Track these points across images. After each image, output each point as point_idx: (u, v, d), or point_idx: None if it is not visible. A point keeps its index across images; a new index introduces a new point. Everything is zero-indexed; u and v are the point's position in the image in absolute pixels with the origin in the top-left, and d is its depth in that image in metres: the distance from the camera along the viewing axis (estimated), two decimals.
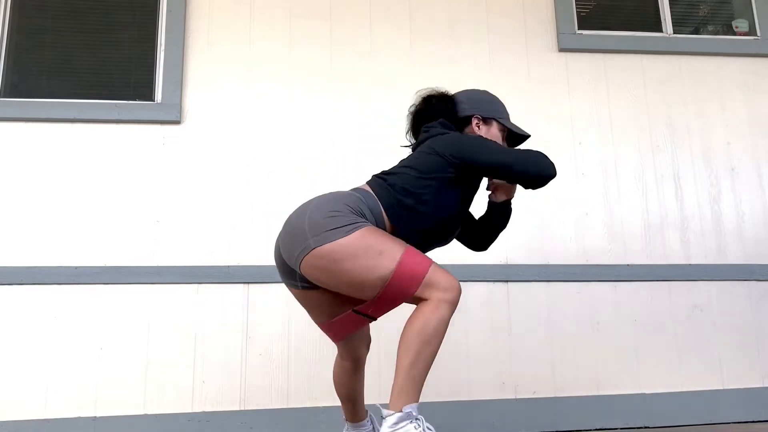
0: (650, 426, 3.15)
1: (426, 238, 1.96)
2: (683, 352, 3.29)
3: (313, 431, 2.97)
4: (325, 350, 3.07)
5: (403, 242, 1.86)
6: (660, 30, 3.74)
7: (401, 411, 1.73)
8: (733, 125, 3.62)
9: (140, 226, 3.09)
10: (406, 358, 1.74)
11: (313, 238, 1.81)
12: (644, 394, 3.20)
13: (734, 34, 3.84)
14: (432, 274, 1.80)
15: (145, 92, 3.29)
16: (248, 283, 3.09)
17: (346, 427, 2.28)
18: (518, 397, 3.10)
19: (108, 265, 3.03)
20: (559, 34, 3.57)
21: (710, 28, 3.90)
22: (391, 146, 3.33)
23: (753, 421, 3.20)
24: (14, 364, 2.89)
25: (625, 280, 3.33)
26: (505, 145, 2.16)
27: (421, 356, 1.74)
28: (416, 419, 1.74)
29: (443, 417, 3.04)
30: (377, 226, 1.90)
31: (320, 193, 2.40)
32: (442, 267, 1.86)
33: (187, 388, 2.96)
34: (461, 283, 3.19)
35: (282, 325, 3.07)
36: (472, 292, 3.18)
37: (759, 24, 3.81)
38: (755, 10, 3.84)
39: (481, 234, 2.18)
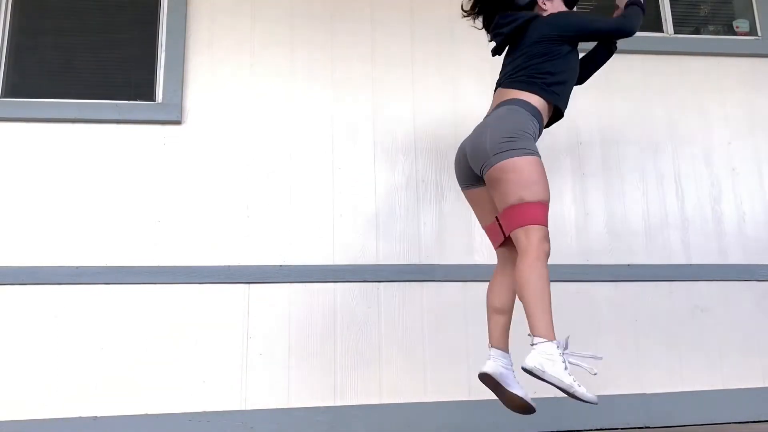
0: (650, 426, 3.15)
1: (569, 89, 2.44)
2: (684, 352, 3.28)
3: (313, 431, 2.97)
4: (326, 350, 3.07)
5: (549, 195, 2.23)
6: (660, 30, 3.74)
7: (552, 340, 2.10)
8: (734, 125, 3.61)
9: (141, 226, 3.09)
10: (529, 300, 2.13)
11: (494, 156, 2.21)
12: (644, 394, 3.20)
13: (735, 34, 3.84)
14: (543, 231, 2.18)
15: (146, 92, 3.29)
16: (248, 283, 3.09)
17: (490, 354, 2.35)
18: None
19: (108, 265, 3.03)
20: None
21: (711, 28, 3.90)
22: (391, 146, 3.34)
23: (753, 421, 3.20)
24: (14, 364, 2.89)
25: (626, 280, 3.33)
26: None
27: (539, 302, 2.13)
28: (563, 345, 2.11)
29: (443, 417, 3.04)
30: (538, 120, 2.32)
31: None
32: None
33: (187, 388, 2.96)
34: (463, 282, 3.20)
35: (282, 325, 3.07)
36: (472, 292, 3.18)
37: (760, 24, 3.80)
38: (756, 10, 3.84)
39: (587, 69, 2.60)
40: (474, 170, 2.34)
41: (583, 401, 2.07)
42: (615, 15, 2.52)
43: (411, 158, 3.33)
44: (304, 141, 3.29)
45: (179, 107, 3.23)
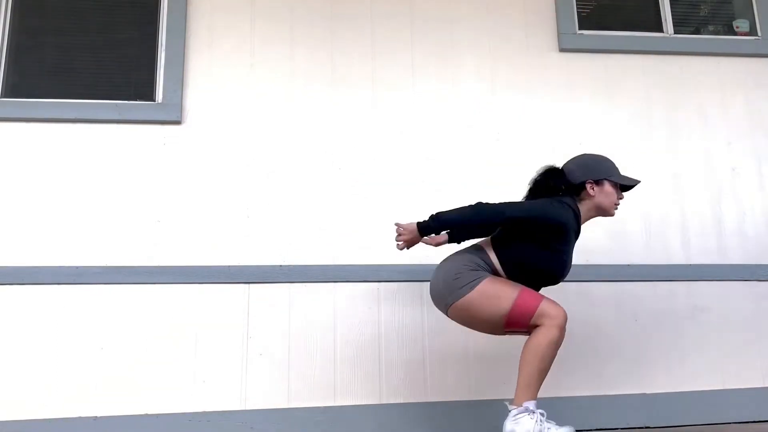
0: (651, 426, 3.15)
1: (533, 283, 2.47)
2: (684, 352, 3.29)
3: (313, 431, 2.97)
4: (326, 350, 3.07)
5: (519, 285, 2.37)
6: (661, 30, 3.74)
7: (521, 405, 2.28)
8: (734, 125, 3.61)
9: (141, 226, 3.09)
10: (525, 369, 2.29)
11: (449, 296, 2.40)
12: (645, 394, 3.20)
13: (735, 34, 3.84)
14: (542, 308, 2.33)
15: (146, 92, 3.29)
16: (248, 283, 3.09)
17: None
18: None
19: (109, 265, 3.03)
20: (560, 34, 3.57)
21: (711, 28, 3.90)
22: (391, 146, 3.34)
23: (753, 421, 3.20)
24: (14, 364, 2.89)
25: (626, 280, 3.33)
26: (620, 194, 2.56)
27: (536, 368, 2.29)
28: (533, 412, 2.27)
29: (443, 417, 3.04)
30: (494, 273, 2.42)
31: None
32: (552, 300, 2.37)
33: (187, 388, 2.96)
34: None
35: (282, 325, 3.07)
36: None
37: (760, 24, 3.80)
38: (756, 10, 3.84)
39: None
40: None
41: None
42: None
43: (411, 158, 3.33)
44: (304, 141, 3.29)
45: (179, 107, 3.23)
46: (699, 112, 3.61)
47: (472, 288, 2.34)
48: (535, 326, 2.33)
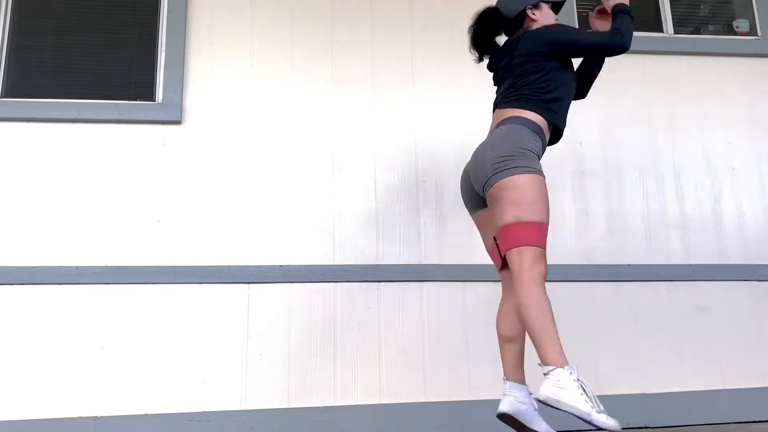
0: (650, 426, 3.15)
1: (566, 106, 2.40)
2: (684, 352, 3.29)
3: (313, 431, 2.97)
4: (326, 350, 3.07)
5: (548, 216, 2.18)
6: (661, 30, 3.74)
7: (561, 366, 2.02)
8: (734, 125, 3.61)
9: (141, 226, 3.09)
10: (532, 329, 2.07)
11: (494, 176, 2.18)
12: (644, 394, 3.20)
13: (735, 34, 3.84)
14: (538, 252, 2.12)
15: (146, 92, 3.29)
16: (248, 283, 3.09)
17: (506, 389, 2.25)
18: None
19: (109, 264, 3.03)
20: None
21: (711, 28, 3.89)
22: (391, 146, 3.34)
23: (753, 421, 3.20)
24: (14, 364, 2.89)
25: (626, 280, 3.33)
26: (555, 15, 2.52)
27: (544, 329, 2.06)
28: (572, 369, 2.02)
29: (443, 417, 3.04)
30: (540, 137, 2.28)
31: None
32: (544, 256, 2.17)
33: (187, 388, 2.96)
34: (463, 282, 3.20)
35: (282, 325, 3.07)
36: (473, 292, 3.18)
37: (760, 24, 3.80)
38: (756, 10, 3.83)
39: (583, 82, 2.58)
40: (477, 192, 2.32)
41: (603, 429, 1.96)
42: (596, 20, 2.57)
43: (411, 158, 3.33)
44: (304, 141, 3.29)
45: (179, 107, 3.23)
46: (699, 112, 3.61)
47: (525, 172, 2.14)
48: (514, 261, 2.11)
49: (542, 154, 2.31)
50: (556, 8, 2.54)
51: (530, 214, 2.12)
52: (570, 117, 3.48)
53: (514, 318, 2.29)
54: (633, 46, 3.59)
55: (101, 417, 2.88)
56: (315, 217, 3.20)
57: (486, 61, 2.52)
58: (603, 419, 1.93)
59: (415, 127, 3.37)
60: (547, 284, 3.27)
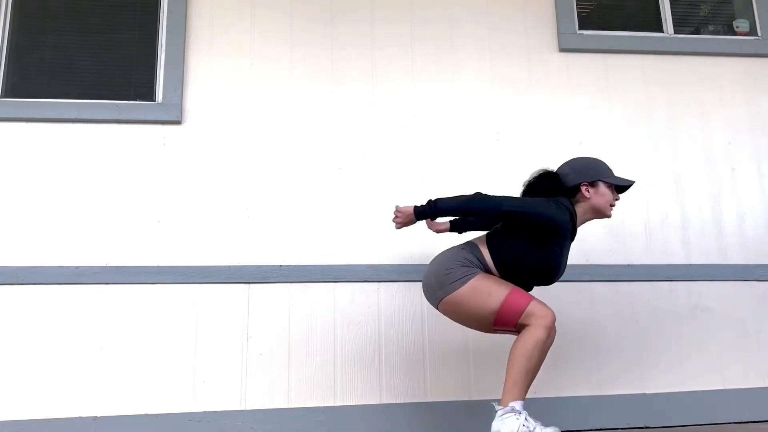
0: (651, 426, 3.15)
1: (526, 282, 2.50)
2: (684, 352, 3.29)
3: (313, 431, 2.97)
4: (326, 350, 3.07)
5: (510, 285, 2.40)
6: (661, 30, 3.74)
7: (507, 405, 2.28)
8: (734, 125, 3.61)
9: (141, 226, 3.09)
10: (512, 368, 2.29)
11: (440, 291, 2.43)
12: (645, 394, 3.20)
13: (735, 34, 3.84)
14: (531, 308, 2.34)
15: (146, 92, 3.29)
16: (248, 283, 3.09)
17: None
18: None
19: (108, 265, 3.03)
20: (560, 34, 3.57)
21: (711, 28, 3.89)
22: (391, 146, 3.34)
23: (753, 421, 3.20)
24: (14, 364, 2.89)
25: (626, 280, 3.33)
26: (616, 195, 2.57)
27: (523, 368, 2.28)
28: (519, 413, 2.26)
29: (444, 417, 3.04)
30: (486, 270, 2.44)
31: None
32: (541, 301, 2.37)
33: (187, 388, 2.96)
34: None
35: (282, 325, 3.07)
36: None
37: (760, 24, 3.80)
38: (756, 10, 3.84)
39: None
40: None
41: None
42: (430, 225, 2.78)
43: (411, 158, 3.33)
44: (304, 141, 3.29)
45: (179, 107, 3.23)
46: (699, 112, 3.61)
47: (463, 283, 2.37)
48: (524, 326, 2.34)
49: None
50: (619, 189, 2.60)
51: (498, 300, 2.36)
52: (570, 117, 3.50)
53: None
54: (633, 46, 3.63)
55: (101, 417, 2.88)
56: (315, 217, 3.20)
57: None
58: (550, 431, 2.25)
59: (415, 126, 3.37)
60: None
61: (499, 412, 2.29)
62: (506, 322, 2.37)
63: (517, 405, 2.28)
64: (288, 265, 3.12)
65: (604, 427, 3.11)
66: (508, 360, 2.32)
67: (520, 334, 2.34)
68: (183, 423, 2.91)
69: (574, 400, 3.12)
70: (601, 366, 3.22)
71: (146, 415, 2.90)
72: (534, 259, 2.43)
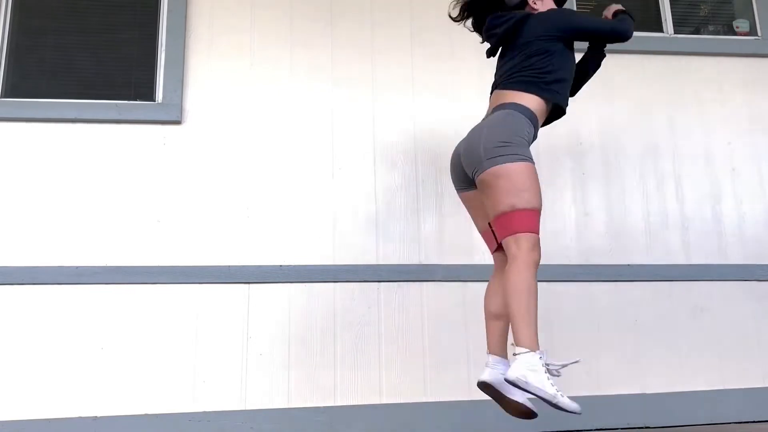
0: (650, 426, 3.15)
1: (569, 86, 2.43)
2: (684, 352, 3.28)
3: (313, 431, 2.97)
4: (326, 350, 3.07)
5: (541, 202, 2.23)
6: (661, 30, 3.74)
7: (530, 348, 2.09)
8: (734, 125, 3.61)
9: (141, 226, 3.09)
10: (519, 307, 2.12)
11: (487, 161, 2.21)
12: (644, 394, 3.20)
13: (735, 34, 3.84)
14: (534, 239, 2.17)
15: (146, 92, 3.29)
16: (248, 283, 3.09)
17: (488, 361, 2.33)
18: None
19: (109, 265, 3.03)
20: None
21: (711, 28, 3.90)
22: (391, 146, 3.34)
23: (753, 421, 3.20)
24: (14, 364, 2.89)
25: (626, 280, 3.33)
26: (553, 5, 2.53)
27: (533, 303, 2.13)
28: (541, 357, 2.10)
29: (444, 417, 3.04)
30: (534, 124, 2.30)
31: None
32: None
33: (187, 388, 2.96)
34: (463, 282, 3.20)
35: (282, 325, 3.07)
36: (473, 292, 3.17)
37: (760, 24, 3.80)
38: (756, 10, 3.84)
39: (577, 80, 2.57)
40: (467, 173, 2.34)
41: (567, 411, 2.10)
42: None
43: (411, 158, 3.33)
44: (304, 141, 3.29)
45: (179, 107, 3.23)
46: (699, 112, 3.61)
47: (518, 160, 2.18)
48: (510, 246, 2.17)
49: (534, 139, 2.35)
50: (559, 1, 2.56)
51: (524, 202, 2.17)
52: (570, 117, 3.49)
53: (503, 297, 2.33)
54: (633, 46, 3.61)
55: (101, 417, 2.88)
56: (315, 217, 3.20)
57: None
58: (567, 402, 2.09)
59: (415, 127, 3.37)
60: (547, 284, 3.29)
61: (527, 356, 2.08)
62: (509, 227, 2.17)
63: (541, 353, 2.11)
64: (288, 265, 3.12)
65: (604, 427, 3.11)
66: (513, 300, 2.14)
67: (515, 271, 2.15)
68: (183, 423, 2.91)
69: (574, 400, 3.12)
70: (600, 366, 3.22)
71: (146, 415, 2.90)
72: (569, 62, 2.44)
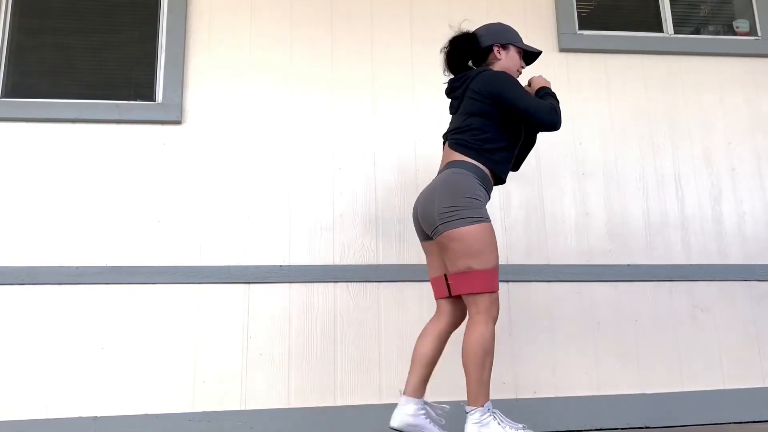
0: (650, 426, 3.15)
1: (512, 154, 2.45)
2: (684, 352, 3.29)
3: (313, 431, 2.97)
4: (326, 350, 3.07)
5: (497, 259, 2.29)
6: (661, 30, 3.74)
7: (482, 406, 2.22)
8: (734, 125, 3.62)
9: (141, 226, 3.09)
10: (474, 367, 2.22)
11: (441, 225, 2.28)
12: (644, 394, 3.20)
13: (735, 34, 3.84)
14: (492, 297, 2.26)
15: (146, 92, 3.29)
16: (248, 283, 3.09)
17: (401, 401, 2.36)
18: (518, 397, 3.10)
19: (109, 265, 3.03)
20: (560, 34, 3.57)
21: (711, 28, 3.90)
22: (391, 146, 3.34)
23: (753, 421, 3.20)
24: (14, 364, 2.89)
25: (626, 280, 3.33)
26: (522, 63, 2.59)
27: (488, 364, 2.24)
28: (493, 413, 2.23)
29: (443, 417, 3.04)
30: (483, 185, 2.34)
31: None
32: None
33: (187, 388, 2.96)
34: None
35: (282, 325, 3.07)
36: None
37: (759, 24, 3.80)
38: (756, 10, 3.84)
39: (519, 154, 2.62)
40: (425, 231, 2.41)
41: None
42: None
43: (411, 158, 3.34)
44: (304, 141, 3.29)
45: (179, 107, 3.23)
46: (699, 112, 3.61)
47: (472, 223, 2.24)
48: (470, 305, 2.26)
49: (488, 200, 2.37)
50: (528, 58, 2.61)
51: (481, 263, 2.24)
52: (570, 118, 3.50)
53: (438, 343, 2.41)
54: (633, 46, 3.64)
55: (101, 417, 2.88)
56: (315, 217, 3.20)
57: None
58: None
59: (414, 127, 3.38)
60: (547, 284, 3.31)
61: (476, 415, 2.22)
62: (467, 286, 2.25)
63: (489, 405, 2.24)
64: (288, 265, 3.13)
65: (604, 427, 3.11)
66: (468, 359, 2.23)
67: (473, 329, 2.24)
68: (183, 423, 2.91)
69: (574, 400, 3.12)
70: (600, 366, 3.22)
71: (146, 415, 2.90)
72: (511, 131, 2.45)
